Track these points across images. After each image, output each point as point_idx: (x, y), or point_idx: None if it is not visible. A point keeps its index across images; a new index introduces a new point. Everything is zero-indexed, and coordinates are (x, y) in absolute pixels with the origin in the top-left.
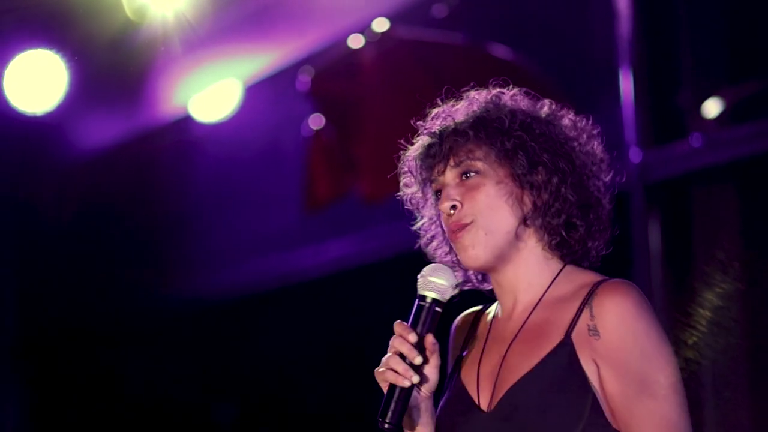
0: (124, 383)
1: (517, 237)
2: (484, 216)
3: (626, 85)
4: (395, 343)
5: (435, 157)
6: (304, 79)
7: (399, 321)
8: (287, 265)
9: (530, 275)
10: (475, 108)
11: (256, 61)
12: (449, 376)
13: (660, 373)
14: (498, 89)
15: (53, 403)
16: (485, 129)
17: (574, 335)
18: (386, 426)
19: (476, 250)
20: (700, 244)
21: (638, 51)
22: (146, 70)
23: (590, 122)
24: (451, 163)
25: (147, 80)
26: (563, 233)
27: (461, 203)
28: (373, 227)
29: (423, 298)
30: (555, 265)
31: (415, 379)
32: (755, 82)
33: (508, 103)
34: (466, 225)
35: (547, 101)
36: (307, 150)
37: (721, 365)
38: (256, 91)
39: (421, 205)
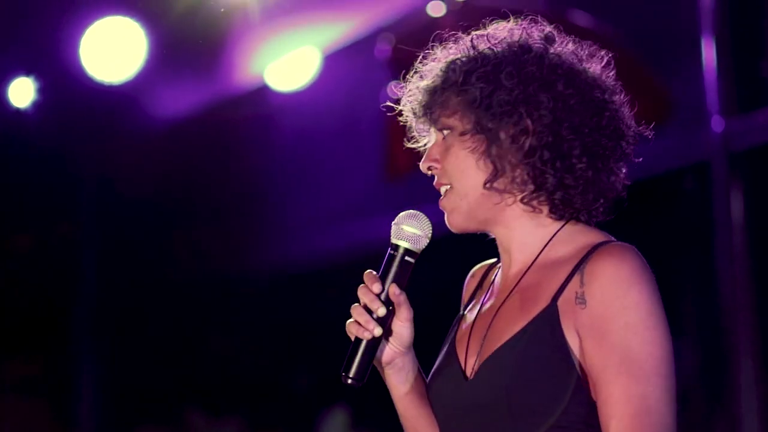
0: (201, 352)
1: (495, 195)
2: (456, 179)
3: (709, 53)
4: (359, 293)
5: (417, 115)
6: (384, 47)
7: (369, 270)
8: (367, 234)
9: (523, 234)
10: (450, 57)
11: (334, 29)
12: (449, 333)
13: (644, 350)
14: (482, 32)
15: (131, 373)
16: (452, 80)
17: (560, 302)
18: (349, 381)
19: (454, 215)
20: None
21: (721, 18)
22: (224, 38)
23: (598, 49)
24: (430, 120)
25: (225, 48)
26: (533, 189)
27: (439, 164)
28: None
29: (395, 247)
30: (549, 223)
31: (377, 331)
32: None
33: (483, 46)
34: (445, 187)
35: (551, 33)
36: (385, 118)
37: None
38: (334, 60)
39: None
